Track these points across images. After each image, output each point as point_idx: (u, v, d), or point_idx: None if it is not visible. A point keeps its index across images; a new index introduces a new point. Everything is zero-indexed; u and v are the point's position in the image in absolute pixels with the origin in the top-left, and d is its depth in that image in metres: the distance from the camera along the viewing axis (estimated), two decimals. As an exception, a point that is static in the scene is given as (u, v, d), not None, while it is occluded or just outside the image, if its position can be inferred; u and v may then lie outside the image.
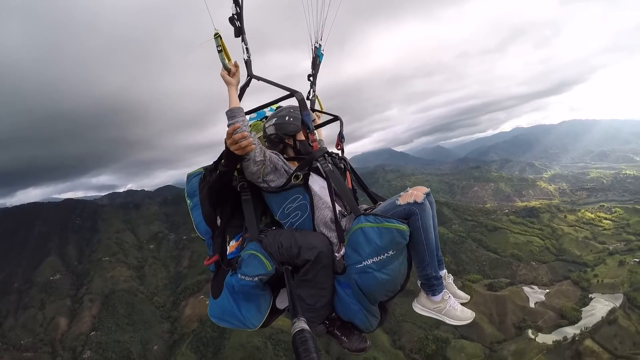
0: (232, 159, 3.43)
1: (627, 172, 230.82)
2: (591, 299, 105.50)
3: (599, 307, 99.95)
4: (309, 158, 3.70)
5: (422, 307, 3.75)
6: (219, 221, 3.94)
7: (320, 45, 4.92)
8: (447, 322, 3.68)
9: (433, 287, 3.62)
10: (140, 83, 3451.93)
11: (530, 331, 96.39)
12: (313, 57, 4.95)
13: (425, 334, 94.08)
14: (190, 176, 4.20)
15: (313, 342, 1.92)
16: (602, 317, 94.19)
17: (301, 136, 3.96)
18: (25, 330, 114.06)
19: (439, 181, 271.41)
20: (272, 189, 3.61)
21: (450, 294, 3.77)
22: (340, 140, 4.54)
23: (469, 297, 4.19)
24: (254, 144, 3.37)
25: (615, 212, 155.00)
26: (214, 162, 3.94)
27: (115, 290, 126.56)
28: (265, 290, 3.65)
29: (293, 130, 3.88)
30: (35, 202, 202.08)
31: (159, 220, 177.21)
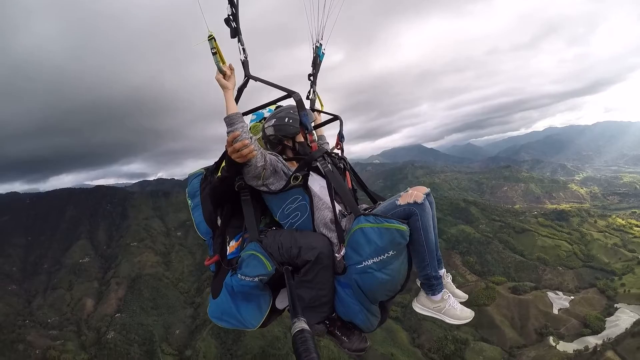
0: (233, 165, 3.45)
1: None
2: (616, 308, 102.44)
3: (624, 317, 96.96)
4: (308, 159, 3.69)
5: (422, 306, 3.79)
6: (219, 221, 3.96)
7: (320, 44, 4.93)
8: (447, 321, 3.72)
9: (433, 286, 3.65)
10: (170, 74, 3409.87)
11: (551, 338, 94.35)
12: (314, 57, 4.96)
13: (444, 334, 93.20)
14: (191, 176, 4.29)
15: (313, 342, 1.94)
16: (627, 328, 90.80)
17: (300, 138, 3.97)
18: (53, 310, 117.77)
19: (469, 179, 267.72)
20: (271, 192, 3.63)
21: (449, 293, 3.80)
22: (340, 139, 4.59)
23: (467, 296, 4.23)
24: (256, 150, 3.39)
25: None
26: (215, 162, 4.04)
27: (142, 274, 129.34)
28: (265, 290, 3.67)
29: (292, 133, 3.89)
30: (67, 188, 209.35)
31: (187, 208, 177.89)
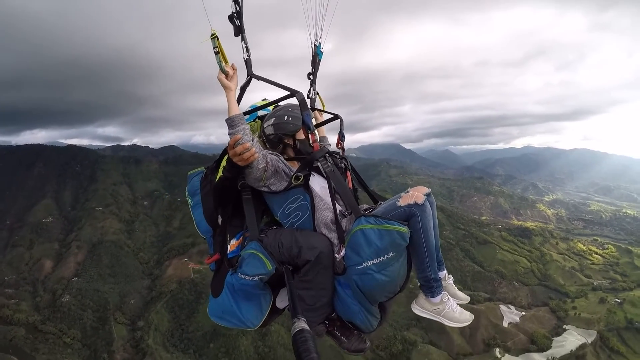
0: (235, 167, 3.45)
1: (627, 211, 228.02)
2: (565, 330, 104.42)
3: (571, 339, 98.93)
4: (309, 158, 3.68)
5: (421, 308, 3.79)
6: (220, 220, 3.94)
7: (320, 43, 4.89)
8: (446, 323, 3.73)
9: (432, 288, 3.66)
10: (157, 41, 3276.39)
11: (497, 350, 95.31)
12: (313, 55, 4.92)
13: (394, 333, 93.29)
14: (191, 175, 4.21)
15: (313, 342, 1.95)
16: (572, 350, 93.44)
17: (301, 135, 3.94)
18: (11, 268, 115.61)
19: (440, 185, 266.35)
20: (273, 192, 3.63)
21: (449, 296, 3.83)
22: (341, 139, 4.60)
23: (469, 298, 4.25)
24: (257, 152, 3.37)
25: (607, 248, 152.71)
26: (215, 161, 4.01)
27: (103, 240, 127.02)
28: (265, 289, 3.66)
29: (292, 130, 3.87)
30: (39, 144, 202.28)
31: (157, 178, 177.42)
